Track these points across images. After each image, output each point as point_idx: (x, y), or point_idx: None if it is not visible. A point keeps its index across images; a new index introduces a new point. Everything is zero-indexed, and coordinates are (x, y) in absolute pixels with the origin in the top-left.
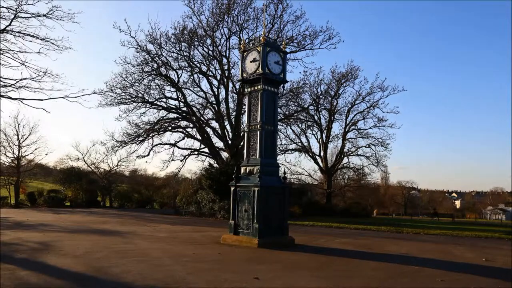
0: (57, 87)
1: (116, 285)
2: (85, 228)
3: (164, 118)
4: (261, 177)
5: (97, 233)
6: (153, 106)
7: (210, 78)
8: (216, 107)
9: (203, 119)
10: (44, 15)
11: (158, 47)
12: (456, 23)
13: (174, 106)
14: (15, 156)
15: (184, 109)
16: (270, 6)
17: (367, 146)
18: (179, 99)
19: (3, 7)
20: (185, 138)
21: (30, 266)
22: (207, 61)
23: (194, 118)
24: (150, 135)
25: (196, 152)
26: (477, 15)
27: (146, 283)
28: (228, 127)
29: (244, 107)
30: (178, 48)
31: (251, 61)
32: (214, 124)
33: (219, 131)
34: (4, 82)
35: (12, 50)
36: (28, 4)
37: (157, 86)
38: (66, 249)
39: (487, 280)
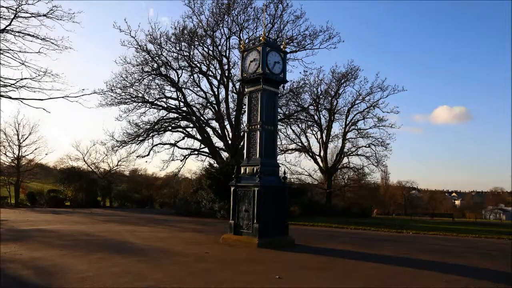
0: (57, 87)
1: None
2: (85, 229)
3: (164, 118)
4: (261, 177)
5: (97, 235)
6: (153, 106)
7: (210, 78)
8: (216, 107)
9: (203, 119)
10: (44, 15)
11: (158, 47)
12: (457, 22)
13: (174, 106)
14: (15, 156)
15: (184, 109)
16: (270, 6)
17: (367, 146)
18: (179, 99)
19: (3, 7)
20: (185, 138)
21: None
22: (207, 61)
23: (194, 118)
24: (150, 135)
25: (196, 152)
26: (477, 15)
27: (146, 282)
28: (228, 127)
29: (244, 107)
30: (178, 48)
31: (251, 61)
32: (214, 124)
33: (219, 131)
34: (4, 82)
35: (12, 50)
36: (28, 4)
37: (157, 86)
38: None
39: (487, 282)
